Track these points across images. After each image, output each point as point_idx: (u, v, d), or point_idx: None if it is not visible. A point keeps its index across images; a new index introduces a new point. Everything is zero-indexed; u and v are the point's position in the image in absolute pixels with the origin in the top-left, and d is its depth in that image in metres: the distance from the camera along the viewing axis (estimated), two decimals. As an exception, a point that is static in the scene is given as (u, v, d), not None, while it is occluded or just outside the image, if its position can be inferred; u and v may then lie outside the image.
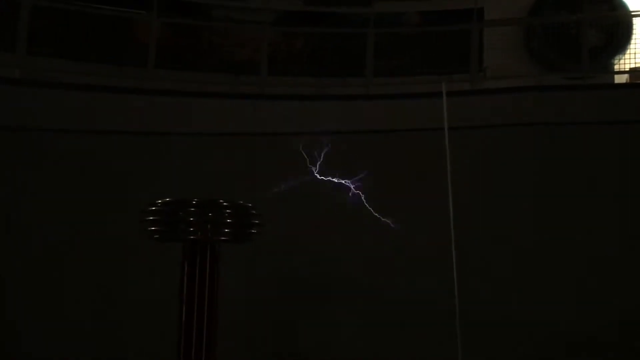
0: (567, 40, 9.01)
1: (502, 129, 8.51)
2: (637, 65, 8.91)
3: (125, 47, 9.07)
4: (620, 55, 9.02)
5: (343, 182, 7.54)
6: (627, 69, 8.92)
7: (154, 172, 8.25)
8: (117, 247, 8.04)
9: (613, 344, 8.00)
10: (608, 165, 8.23)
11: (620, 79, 9.04)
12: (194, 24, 9.27)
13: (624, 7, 9.29)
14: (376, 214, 8.22)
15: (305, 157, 7.37)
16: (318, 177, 7.50)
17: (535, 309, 8.17)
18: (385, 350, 8.29)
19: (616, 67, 8.98)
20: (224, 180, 7.94)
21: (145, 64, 8.70)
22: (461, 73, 9.01)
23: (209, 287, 5.02)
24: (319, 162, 7.36)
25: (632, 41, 8.95)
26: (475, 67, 8.98)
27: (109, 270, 8.14)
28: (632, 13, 9.09)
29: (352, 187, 7.54)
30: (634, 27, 8.95)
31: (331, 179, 7.49)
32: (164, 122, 8.47)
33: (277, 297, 8.34)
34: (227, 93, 8.62)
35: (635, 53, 8.91)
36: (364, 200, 7.43)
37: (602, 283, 8.04)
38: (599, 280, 8.06)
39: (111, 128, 8.34)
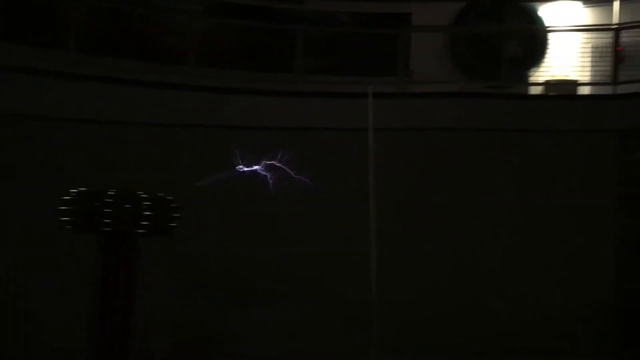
0: (488, 50, 9.31)
1: (425, 132, 8.72)
2: (551, 77, 9.31)
3: (46, 29, 8.65)
4: (536, 68, 9.41)
5: (268, 177, 7.52)
6: (542, 81, 9.30)
7: (75, 161, 7.94)
8: (30, 237, 7.69)
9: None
10: (519, 168, 8.61)
11: (535, 90, 9.43)
12: (117, 7, 8.93)
13: (541, 22, 9.70)
14: (300, 210, 8.30)
15: (231, 150, 7.29)
16: (243, 170, 7.44)
17: (452, 307, 8.45)
18: (304, 343, 8.34)
19: (532, 79, 9.35)
20: (144, 172, 7.74)
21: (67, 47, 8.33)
22: (388, 76, 9.14)
23: (125, 279, 4.90)
24: (244, 156, 7.30)
25: (547, 55, 9.34)
26: (402, 70, 9.14)
27: (22, 259, 7.79)
28: (548, 28, 9.50)
29: (277, 182, 7.53)
30: (549, 41, 9.35)
31: (257, 173, 7.44)
32: (86, 109, 8.16)
33: (199, 289, 8.23)
34: (152, 82, 8.37)
35: (549, 66, 9.30)
36: (289, 196, 7.44)
37: (520, 278, 8.39)
38: (517, 276, 8.41)
39: (26, 113, 7.95)
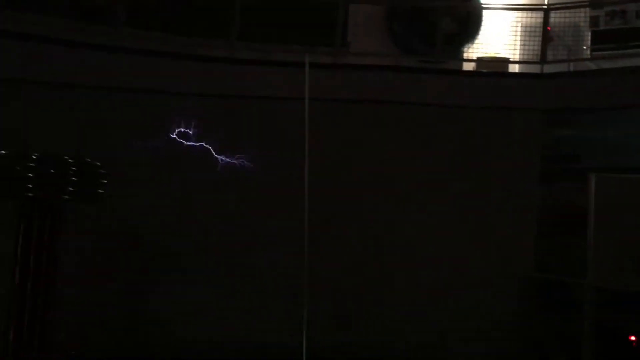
0: (424, 25, 9.35)
1: (361, 104, 8.75)
2: (484, 54, 9.47)
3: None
4: (470, 44, 9.54)
5: (203, 144, 7.36)
6: (475, 58, 9.46)
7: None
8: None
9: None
10: (449, 143, 8.80)
11: (468, 66, 9.58)
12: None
13: (476, -1, 9.82)
14: (232, 180, 8.18)
15: (164, 116, 7.08)
16: (176, 137, 7.24)
17: (377, 277, 8.62)
18: (232, 317, 8.31)
19: (465, 55, 9.49)
20: (70, 136, 7.38)
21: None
22: (326, 46, 9.06)
23: (48, 249, 4.69)
24: (177, 123, 7.11)
25: (481, 32, 9.48)
26: (339, 42, 9.07)
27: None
28: (482, 6, 9.62)
29: (211, 149, 7.37)
30: (483, 19, 9.49)
31: (190, 140, 7.26)
32: (9, 69, 7.66)
33: (126, 258, 8.02)
34: (81, 42, 7.95)
35: (482, 43, 9.46)
36: (221, 166, 7.31)
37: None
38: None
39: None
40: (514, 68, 9.46)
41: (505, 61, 9.38)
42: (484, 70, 9.37)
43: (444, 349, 8.36)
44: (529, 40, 9.24)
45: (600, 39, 9.24)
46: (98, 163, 5.12)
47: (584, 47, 9.35)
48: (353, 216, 8.63)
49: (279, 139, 8.33)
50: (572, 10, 9.23)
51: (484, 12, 9.49)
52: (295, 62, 8.01)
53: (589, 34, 9.31)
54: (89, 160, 4.87)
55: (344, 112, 8.66)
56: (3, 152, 4.44)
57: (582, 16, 9.29)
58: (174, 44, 8.38)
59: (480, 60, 9.45)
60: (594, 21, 9.26)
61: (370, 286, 8.58)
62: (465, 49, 9.54)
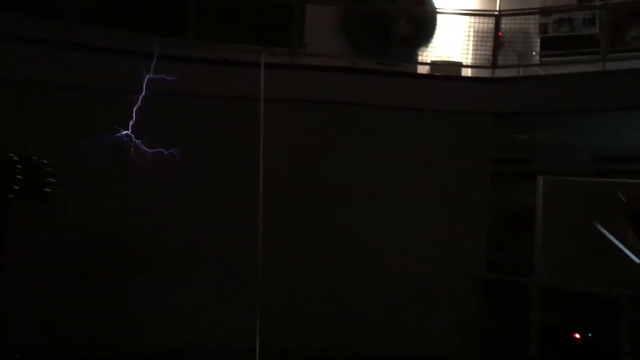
0: (380, 27, 9.45)
1: (316, 104, 8.77)
2: (438, 58, 9.63)
3: None
4: (424, 48, 9.68)
5: (156, 143, 7.23)
6: (429, 61, 9.60)
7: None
8: None
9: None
10: (403, 145, 8.92)
11: (422, 69, 9.72)
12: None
13: (431, 3, 9.96)
14: (186, 181, 8.10)
15: (114, 115, 6.94)
16: (131, 135, 7.11)
17: (332, 279, 8.65)
18: (187, 318, 8.22)
19: (420, 59, 9.62)
20: (17, 134, 7.18)
21: None
22: (282, 47, 9.05)
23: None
24: (128, 121, 6.98)
25: (435, 36, 9.63)
26: (295, 42, 9.08)
27: None
28: (436, 10, 9.78)
29: (165, 149, 7.27)
30: (437, 23, 9.64)
31: (143, 139, 7.14)
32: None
33: (75, 262, 7.85)
34: (29, 37, 7.72)
35: (436, 47, 9.61)
36: (175, 166, 7.22)
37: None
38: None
39: None
40: (467, 72, 9.64)
41: (458, 65, 9.55)
42: (438, 74, 9.51)
43: (400, 351, 8.45)
44: (481, 45, 9.43)
45: (549, 45, 9.51)
46: (45, 161, 4.99)
47: (534, 53, 9.61)
48: (309, 217, 8.63)
49: (233, 138, 8.29)
50: (522, 17, 9.46)
51: (438, 16, 9.65)
52: (250, 61, 7.98)
53: (539, 40, 9.57)
54: (35, 158, 4.74)
55: (300, 113, 8.67)
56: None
57: (532, 23, 9.54)
58: (127, 41, 8.23)
59: (434, 64, 9.59)
60: (543, 28, 9.52)
61: (327, 288, 8.61)
62: (420, 52, 9.67)
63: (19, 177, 4.58)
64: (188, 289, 8.22)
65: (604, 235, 7.56)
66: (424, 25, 9.69)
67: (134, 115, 6.76)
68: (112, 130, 6.72)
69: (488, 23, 9.40)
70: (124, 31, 8.37)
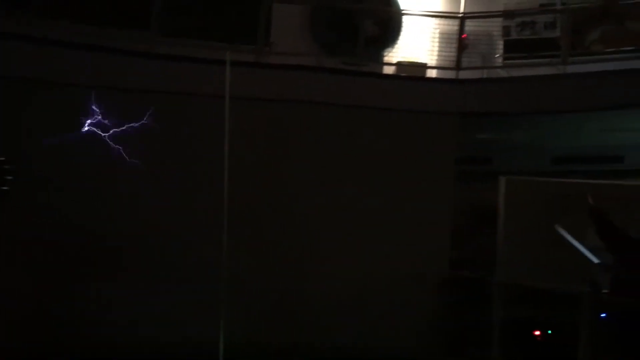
0: (346, 27, 9.47)
1: (282, 103, 8.75)
2: (403, 59, 9.70)
3: None
4: (391, 48, 9.74)
5: (115, 140, 7.12)
6: (395, 62, 9.67)
7: None
8: None
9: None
10: (369, 145, 8.94)
11: (388, 69, 9.78)
12: None
13: (397, 5, 10.04)
14: (150, 178, 8.00)
15: (80, 110, 6.81)
16: (92, 131, 6.98)
17: (293, 276, 8.64)
18: (146, 313, 8.12)
19: (386, 59, 9.68)
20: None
21: None
22: (249, 45, 9.00)
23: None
24: (93, 117, 6.86)
25: (401, 37, 9.70)
26: (262, 40, 9.03)
27: None
28: (402, 11, 9.85)
29: (126, 146, 7.16)
30: (403, 24, 9.71)
31: (106, 135, 7.03)
32: None
33: (38, 259, 7.68)
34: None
35: (402, 48, 9.68)
36: (139, 161, 7.12)
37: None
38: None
39: None
40: (432, 73, 9.74)
41: (424, 66, 9.64)
42: (404, 74, 9.58)
43: (363, 346, 8.48)
44: (446, 47, 9.53)
45: (511, 48, 9.67)
46: (3, 158, 4.85)
47: (497, 55, 9.76)
48: (274, 215, 8.63)
49: (199, 136, 8.21)
50: (486, 20, 9.60)
51: (404, 17, 9.71)
52: (217, 59, 7.90)
53: (502, 43, 9.71)
54: (-9, 154, 4.60)
55: (266, 111, 8.64)
56: None
57: (495, 26, 9.68)
58: (91, 36, 8.07)
59: (400, 65, 9.66)
60: (506, 31, 9.68)
61: (291, 285, 8.61)
62: (386, 53, 9.73)
63: (-25, 174, 4.41)
64: (153, 285, 8.15)
65: (565, 237, 7.72)
66: (389, 26, 9.75)
67: (99, 110, 6.65)
68: (78, 127, 6.60)
69: (453, 25, 9.52)
70: (83, 25, 8.20)
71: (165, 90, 8.15)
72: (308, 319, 8.54)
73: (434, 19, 9.64)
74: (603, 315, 7.22)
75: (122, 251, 8.11)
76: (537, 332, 8.41)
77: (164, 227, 8.27)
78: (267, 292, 8.47)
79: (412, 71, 9.59)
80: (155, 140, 7.32)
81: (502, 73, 9.71)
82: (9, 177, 4.70)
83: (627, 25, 9.21)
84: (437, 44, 9.60)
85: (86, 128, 6.72)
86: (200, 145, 8.16)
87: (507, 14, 9.69)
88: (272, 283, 8.51)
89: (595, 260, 7.14)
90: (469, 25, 9.50)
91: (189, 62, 8.44)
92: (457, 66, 9.41)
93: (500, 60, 9.75)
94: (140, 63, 8.27)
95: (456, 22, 9.47)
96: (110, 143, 6.90)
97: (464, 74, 9.45)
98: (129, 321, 8.07)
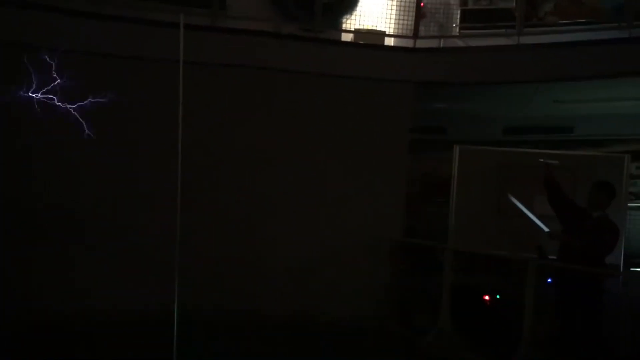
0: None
1: (238, 68, 8.58)
2: (361, 26, 9.59)
3: None
4: (348, 15, 9.60)
5: (68, 105, 6.86)
6: (353, 30, 9.55)
7: None
8: None
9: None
10: (323, 112, 8.91)
11: (346, 37, 9.67)
12: None
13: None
14: (104, 146, 7.77)
15: (23, 72, 6.50)
16: (37, 96, 6.70)
17: (262, 254, 8.61)
18: (99, 283, 8.00)
19: (344, 26, 9.55)
20: None
21: None
22: (203, 8, 8.74)
23: None
24: (39, 80, 6.56)
25: (359, 4, 9.57)
26: (217, 3, 8.79)
27: None
28: (360, -23, 9.69)
29: (78, 111, 6.90)
30: (361, -10, 9.58)
31: (54, 100, 6.75)
32: None
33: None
34: None
35: (360, 15, 9.56)
36: (91, 126, 6.88)
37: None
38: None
39: None
40: (390, 41, 9.67)
41: (381, 34, 9.55)
42: (361, 42, 9.49)
43: (314, 313, 8.55)
44: (404, 16, 9.45)
45: (468, 18, 9.66)
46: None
47: (454, 25, 9.73)
48: (226, 182, 8.55)
49: (151, 102, 8.00)
50: (444, -11, 9.56)
51: (362, -17, 9.58)
52: (169, 22, 7.65)
53: (459, 12, 9.69)
54: None
55: (221, 77, 8.47)
56: None
57: (453, -5, 9.65)
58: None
59: (357, 32, 9.55)
60: (463, 0, 9.66)
61: (243, 252, 8.60)
62: (343, 20, 9.59)
63: None
64: (105, 254, 8.04)
65: (516, 206, 7.86)
66: (347, -7, 9.59)
67: (40, 74, 6.36)
68: (18, 88, 6.30)
69: (411, -7, 9.43)
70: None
71: (114, 53, 7.87)
72: (261, 286, 8.56)
73: (392, -14, 9.53)
74: (549, 280, 7.44)
75: (73, 221, 7.96)
76: (487, 297, 8.62)
77: (115, 196, 8.13)
78: (220, 259, 8.44)
79: (370, 39, 9.50)
80: (102, 105, 7.07)
81: (460, 43, 9.72)
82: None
83: (580, -4, 9.31)
84: (394, 13, 9.50)
85: (30, 93, 6.43)
86: (152, 111, 7.96)
87: (464, -16, 9.66)
88: (225, 250, 8.48)
89: (546, 229, 7.31)
90: (427, -7, 9.45)
91: (140, 25, 8.16)
92: (415, 35, 9.36)
93: (457, 30, 9.74)
94: (89, 25, 7.95)
95: (414, -11, 9.39)
96: (58, 107, 6.63)
97: (421, 43, 9.41)
98: (82, 289, 7.95)
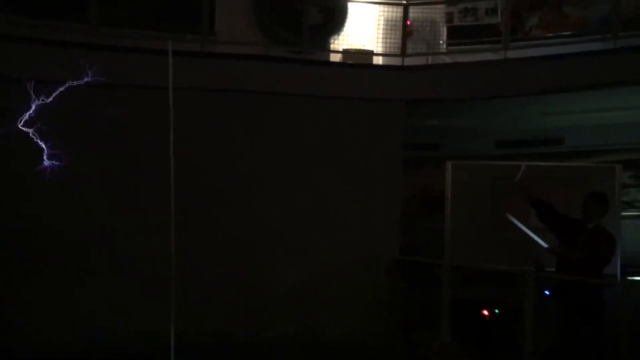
0: (291, 15, 9.32)
1: (227, 93, 8.57)
2: (349, 46, 9.62)
3: None
4: (336, 36, 9.64)
5: (58, 134, 6.81)
6: (341, 50, 9.58)
7: None
8: None
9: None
10: (317, 133, 8.87)
11: (335, 57, 9.69)
12: None
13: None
14: (95, 172, 7.73)
15: (10, 104, 6.46)
16: (24, 127, 6.65)
17: (258, 277, 8.53)
18: (95, 309, 7.90)
19: (332, 47, 9.58)
20: None
21: None
22: (193, 34, 8.75)
23: None
24: (27, 112, 6.50)
25: (346, 24, 9.61)
26: (206, 29, 8.80)
27: None
28: (348, -2, 9.76)
29: (62, 143, 6.85)
30: (348, 11, 9.63)
31: (40, 131, 6.70)
32: None
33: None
34: None
35: (348, 35, 9.59)
36: (80, 154, 6.82)
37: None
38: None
39: None
40: (378, 60, 9.69)
41: (370, 53, 9.58)
42: (350, 62, 9.50)
43: (313, 333, 8.45)
44: (391, 34, 9.49)
45: (455, 34, 9.71)
46: None
47: (441, 42, 9.78)
48: (220, 205, 8.47)
49: (142, 129, 7.96)
50: (429, 7, 9.61)
51: (349, 4, 9.62)
52: (159, 49, 7.63)
53: (445, 29, 9.74)
54: None
55: (212, 102, 8.44)
56: None
57: (438, 12, 9.69)
58: (21, 26, 7.69)
59: (346, 52, 9.57)
60: (449, 17, 9.71)
61: (240, 274, 8.49)
62: (332, 41, 9.62)
63: None
64: (101, 280, 7.93)
65: (515, 224, 7.82)
66: (335, 13, 9.64)
67: (31, 107, 6.31)
68: (9, 121, 6.25)
69: (397, 12, 9.47)
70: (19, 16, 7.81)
71: (105, 82, 7.84)
72: (258, 307, 8.45)
73: (378, 5, 9.58)
74: (547, 292, 7.38)
75: (68, 249, 7.86)
76: (486, 312, 8.55)
77: (109, 222, 8.04)
78: (216, 281, 8.34)
79: (358, 58, 9.52)
80: (94, 135, 7.05)
81: (447, 59, 9.75)
82: None
83: (564, 10, 9.37)
84: (382, 31, 9.55)
85: (18, 124, 6.38)
86: (143, 138, 7.92)
87: (449, 1, 9.72)
88: (221, 272, 8.38)
89: (545, 245, 7.28)
90: (413, 11, 9.49)
91: (130, 53, 8.14)
92: (403, 53, 9.38)
93: (444, 46, 9.78)
94: (80, 54, 7.91)
95: (400, 9, 9.44)
96: (45, 137, 6.59)
97: (409, 61, 9.44)
98: (81, 318, 7.86)
